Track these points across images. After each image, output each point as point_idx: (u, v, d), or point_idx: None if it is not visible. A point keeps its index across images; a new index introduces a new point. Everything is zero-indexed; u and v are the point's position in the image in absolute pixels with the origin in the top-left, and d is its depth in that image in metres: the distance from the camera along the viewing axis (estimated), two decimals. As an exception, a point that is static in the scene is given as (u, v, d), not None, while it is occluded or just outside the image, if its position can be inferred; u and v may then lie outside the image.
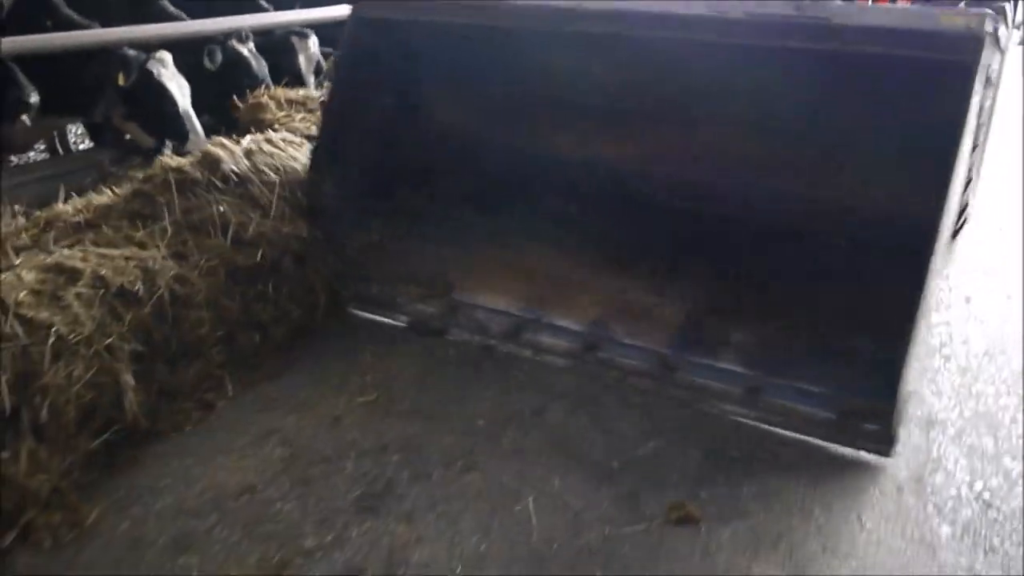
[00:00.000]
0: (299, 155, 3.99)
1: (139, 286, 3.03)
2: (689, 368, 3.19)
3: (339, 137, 3.91)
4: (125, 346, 2.88)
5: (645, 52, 3.38)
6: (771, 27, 2.95)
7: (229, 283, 3.37)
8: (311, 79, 6.06)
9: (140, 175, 3.67)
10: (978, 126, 4.53)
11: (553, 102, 3.79)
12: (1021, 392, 3.42)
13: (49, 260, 3.02)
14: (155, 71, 4.96)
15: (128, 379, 2.82)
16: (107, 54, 4.79)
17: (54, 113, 4.90)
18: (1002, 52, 3.97)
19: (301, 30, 6.10)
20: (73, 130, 7.21)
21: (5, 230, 3.28)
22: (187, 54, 5.27)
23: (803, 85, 3.20)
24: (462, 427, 3.08)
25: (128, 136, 5.46)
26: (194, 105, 5.12)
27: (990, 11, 2.63)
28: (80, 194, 3.66)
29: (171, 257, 3.25)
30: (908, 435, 3.12)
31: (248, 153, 3.81)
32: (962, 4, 4.23)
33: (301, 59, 6.00)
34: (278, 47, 5.92)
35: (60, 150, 6.53)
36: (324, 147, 3.89)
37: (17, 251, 3.12)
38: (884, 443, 2.85)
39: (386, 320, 3.84)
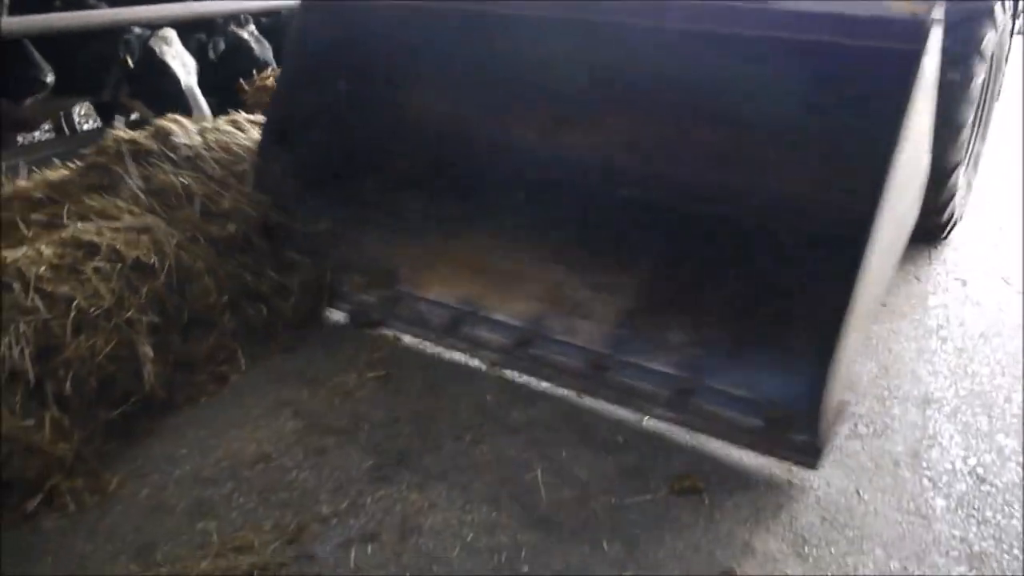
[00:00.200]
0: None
1: (153, 258, 3.10)
2: (620, 368, 3.05)
3: (289, 121, 3.85)
4: (143, 318, 2.94)
5: (591, 37, 3.31)
6: (710, 12, 2.84)
7: (214, 253, 3.38)
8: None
9: (92, 149, 3.66)
10: (976, 105, 4.59)
11: (505, 87, 3.77)
12: (1016, 372, 3.50)
13: (65, 234, 3.08)
14: (157, 48, 5.01)
15: (147, 351, 2.89)
16: (110, 34, 4.85)
17: (62, 93, 4.96)
18: (997, 31, 4.02)
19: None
20: (78, 110, 7.25)
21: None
22: (191, 34, 5.33)
23: (744, 73, 3.13)
24: (471, 402, 3.15)
25: (135, 115, 5.52)
26: (200, 88, 5.18)
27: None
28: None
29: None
30: (904, 412, 3.21)
31: (203, 131, 3.83)
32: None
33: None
34: (283, 28, 5.97)
35: (66, 130, 6.57)
36: (273, 131, 3.82)
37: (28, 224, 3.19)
38: (810, 455, 2.66)
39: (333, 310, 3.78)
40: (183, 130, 3.76)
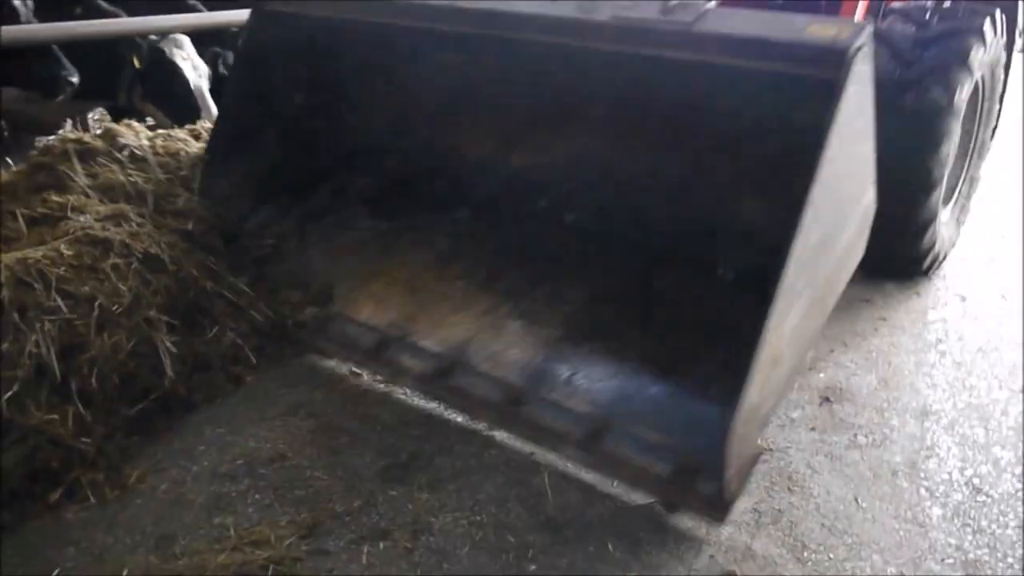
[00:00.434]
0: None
1: (156, 250, 3.19)
2: (535, 404, 2.90)
3: (238, 134, 3.77)
4: (162, 317, 3.03)
5: (526, 56, 3.19)
6: (636, 32, 2.65)
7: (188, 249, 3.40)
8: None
9: (38, 149, 3.67)
10: (966, 132, 4.62)
11: (457, 106, 3.78)
12: (1013, 386, 3.58)
13: (79, 232, 3.15)
14: (167, 50, 5.11)
15: (169, 346, 2.98)
16: (123, 38, 4.95)
17: (78, 97, 5.07)
18: (986, 48, 4.01)
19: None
20: (92, 115, 7.34)
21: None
22: (207, 47, 5.44)
23: (674, 97, 3.08)
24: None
25: (148, 118, 5.62)
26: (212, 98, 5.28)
27: (869, 24, 2.31)
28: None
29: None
30: (903, 424, 3.29)
31: (153, 136, 3.83)
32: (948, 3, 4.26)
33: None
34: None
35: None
36: (219, 144, 3.75)
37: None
38: (717, 508, 2.48)
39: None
40: (132, 133, 3.78)
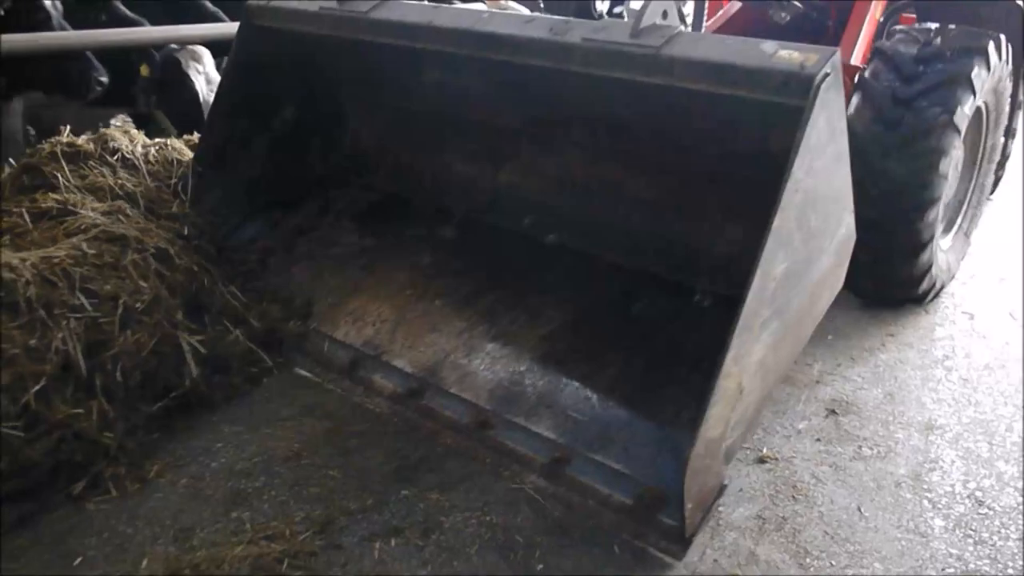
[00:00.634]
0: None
1: (166, 245, 3.30)
2: (503, 427, 2.92)
3: (226, 146, 3.81)
4: (182, 315, 3.12)
5: (506, 76, 3.20)
6: (606, 55, 2.62)
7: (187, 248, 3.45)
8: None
9: (28, 152, 3.74)
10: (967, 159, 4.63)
11: (445, 124, 3.81)
12: (1018, 403, 3.62)
13: (96, 231, 3.22)
14: (183, 61, 5.23)
15: (197, 346, 3.07)
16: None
17: (101, 103, 5.20)
18: (990, 70, 4.02)
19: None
20: (114, 122, 7.48)
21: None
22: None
23: (647, 120, 3.10)
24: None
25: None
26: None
27: (837, 49, 2.29)
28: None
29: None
30: (908, 437, 3.33)
31: (147, 145, 3.86)
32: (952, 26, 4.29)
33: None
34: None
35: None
36: (208, 155, 3.78)
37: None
38: (676, 542, 2.49)
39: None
40: (127, 139, 3.83)
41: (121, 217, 3.36)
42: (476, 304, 3.38)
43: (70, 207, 3.31)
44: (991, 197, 5.76)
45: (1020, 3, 4.87)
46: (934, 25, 4.21)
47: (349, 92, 4.02)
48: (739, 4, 5.33)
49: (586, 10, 10.24)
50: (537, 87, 3.20)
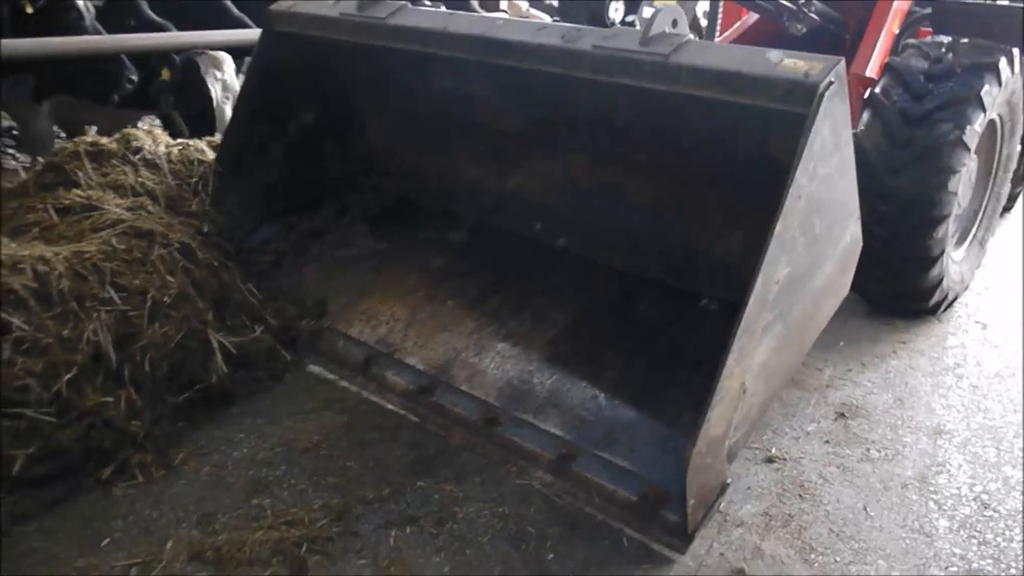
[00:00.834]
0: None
1: (188, 240, 3.39)
2: (510, 424, 2.98)
3: (246, 149, 3.88)
4: (208, 310, 3.22)
5: (517, 82, 3.25)
6: (616, 62, 2.67)
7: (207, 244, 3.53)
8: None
9: (53, 151, 3.82)
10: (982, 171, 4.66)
11: (456, 128, 3.89)
12: (1026, 410, 3.66)
13: (123, 226, 3.32)
14: (203, 67, 5.37)
15: (228, 346, 3.19)
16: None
17: (127, 106, 5.35)
18: (1002, 85, 4.05)
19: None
20: (142, 124, 7.65)
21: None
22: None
23: (655, 127, 3.16)
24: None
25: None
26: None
27: (841, 58, 2.34)
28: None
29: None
30: (916, 440, 3.38)
31: (169, 145, 3.95)
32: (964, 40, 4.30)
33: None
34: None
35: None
36: (228, 157, 3.85)
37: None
38: (679, 537, 2.54)
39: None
40: (150, 139, 3.91)
41: (144, 213, 3.47)
42: (486, 306, 3.46)
43: (93, 203, 3.42)
44: (1008, 211, 5.78)
45: None
46: (947, 39, 4.26)
47: (362, 97, 4.12)
48: (755, 16, 5.40)
49: (599, 18, 10.42)
50: (543, 93, 3.27)
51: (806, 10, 4.66)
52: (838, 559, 2.69)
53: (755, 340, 2.43)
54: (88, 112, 5.62)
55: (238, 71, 5.70)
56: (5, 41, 4.32)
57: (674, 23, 2.59)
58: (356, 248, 3.94)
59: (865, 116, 4.04)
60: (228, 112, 5.50)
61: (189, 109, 5.49)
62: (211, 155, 3.98)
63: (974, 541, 2.82)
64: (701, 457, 2.40)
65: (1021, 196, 6.25)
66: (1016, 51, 4.20)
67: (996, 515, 2.97)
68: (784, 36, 5.02)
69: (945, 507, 2.99)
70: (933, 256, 4.07)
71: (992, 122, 4.38)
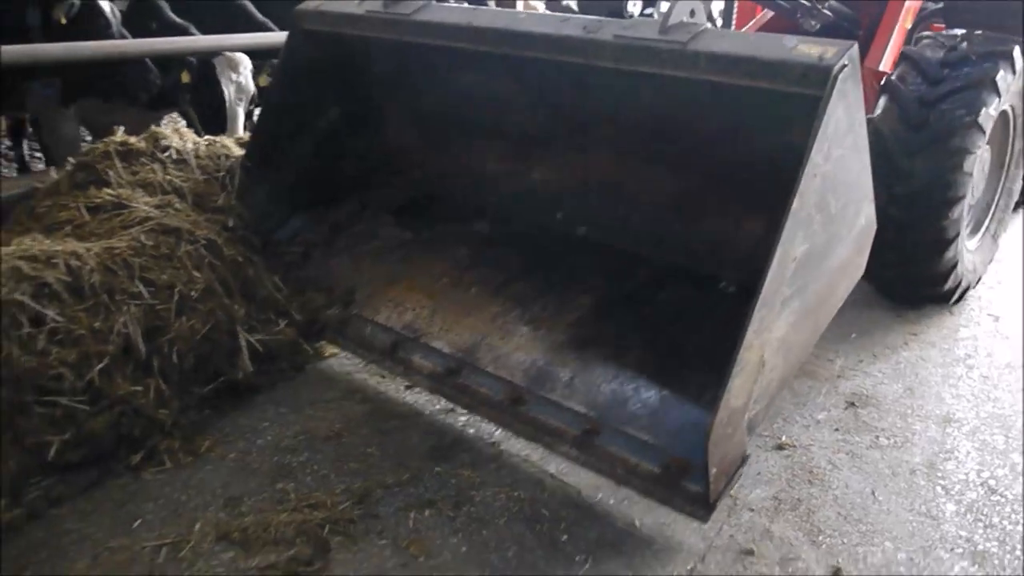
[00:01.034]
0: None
1: (216, 237, 3.49)
2: (535, 403, 3.02)
3: (275, 145, 3.96)
4: (237, 307, 3.33)
5: (540, 74, 3.35)
6: (636, 51, 2.74)
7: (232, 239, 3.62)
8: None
9: (84, 150, 3.92)
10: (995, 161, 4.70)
11: (469, 120, 3.96)
12: (1036, 399, 3.70)
13: (151, 223, 3.42)
14: (218, 67, 5.50)
15: (251, 340, 3.30)
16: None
17: (151, 106, 5.49)
18: (1016, 73, 4.11)
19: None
20: (163, 123, 7.80)
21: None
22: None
23: (675, 114, 3.22)
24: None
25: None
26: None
27: (854, 43, 2.39)
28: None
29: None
30: (925, 428, 3.44)
31: (197, 142, 4.03)
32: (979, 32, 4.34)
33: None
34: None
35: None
36: (257, 152, 3.94)
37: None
38: (701, 507, 2.56)
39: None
40: (178, 136, 4.01)
41: (171, 210, 3.59)
42: (510, 292, 3.53)
43: (123, 201, 3.54)
44: (1021, 205, 5.80)
45: None
46: (961, 31, 4.31)
47: (386, 92, 4.20)
48: (771, 12, 5.46)
49: (618, 12, 10.55)
50: (566, 84, 3.36)
51: (820, 7, 4.72)
52: (845, 541, 2.76)
53: (774, 313, 2.48)
54: (109, 114, 5.76)
55: (259, 72, 5.85)
56: (38, 46, 4.46)
57: (692, 13, 2.68)
58: (382, 239, 4.02)
59: (882, 101, 4.12)
60: (240, 113, 5.65)
61: (203, 108, 5.65)
62: (237, 150, 4.08)
63: (980, 524, 2.88)
64: (723, 427, 2.43)
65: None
66: None
67: (1003, 500, 3.02)
68: (798, 33, 5.08)
69: (952, 492, 3.05)
70: (948, 238, 4.13)
71: (1005, 113, 4.43)
